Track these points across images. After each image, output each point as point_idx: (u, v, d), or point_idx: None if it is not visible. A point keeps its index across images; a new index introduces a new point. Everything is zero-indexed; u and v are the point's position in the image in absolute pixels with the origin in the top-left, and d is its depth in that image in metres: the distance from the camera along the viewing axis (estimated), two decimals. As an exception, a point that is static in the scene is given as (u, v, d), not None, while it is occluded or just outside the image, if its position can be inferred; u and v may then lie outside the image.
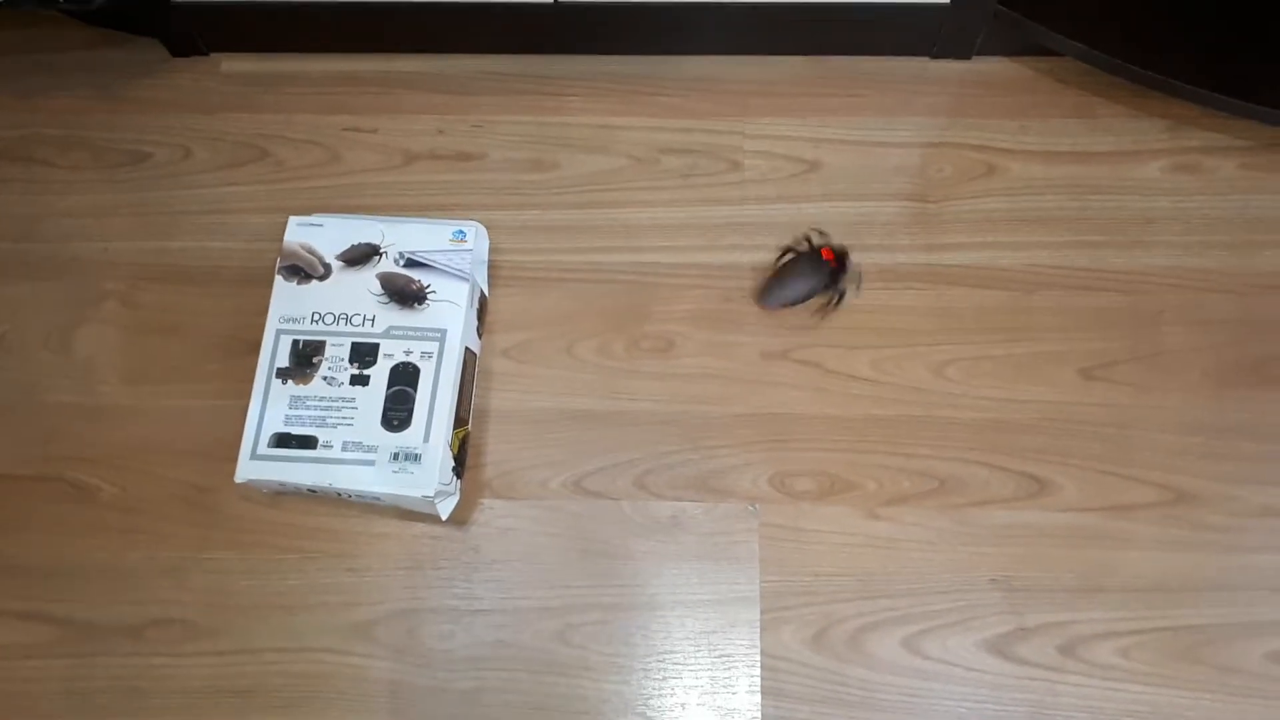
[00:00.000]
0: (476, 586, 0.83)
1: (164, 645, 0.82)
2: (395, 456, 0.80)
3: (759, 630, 0.82)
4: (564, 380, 0.89)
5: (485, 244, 0.90)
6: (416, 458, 0.80)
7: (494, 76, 1.00)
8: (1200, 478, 0.84)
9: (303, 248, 0.87)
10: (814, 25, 0.96)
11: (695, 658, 0.82)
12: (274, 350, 0.83)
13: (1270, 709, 0.78)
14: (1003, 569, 0.82)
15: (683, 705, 0.80)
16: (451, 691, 0.81)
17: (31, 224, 0.95)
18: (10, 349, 0.91)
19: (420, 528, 0.85)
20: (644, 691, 0.81)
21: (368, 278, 0.86)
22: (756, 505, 0.85)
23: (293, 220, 0.88)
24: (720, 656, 0.81)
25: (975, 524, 0.84)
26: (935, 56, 1.00)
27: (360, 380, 0.82)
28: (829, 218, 0.93)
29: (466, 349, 0.85)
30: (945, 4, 0.92)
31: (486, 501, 0.86)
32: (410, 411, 0.81)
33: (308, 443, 0.81)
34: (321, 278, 0.86)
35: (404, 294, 0.85)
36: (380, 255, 0.86)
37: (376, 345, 0.83)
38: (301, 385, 0.82)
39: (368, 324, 0.84)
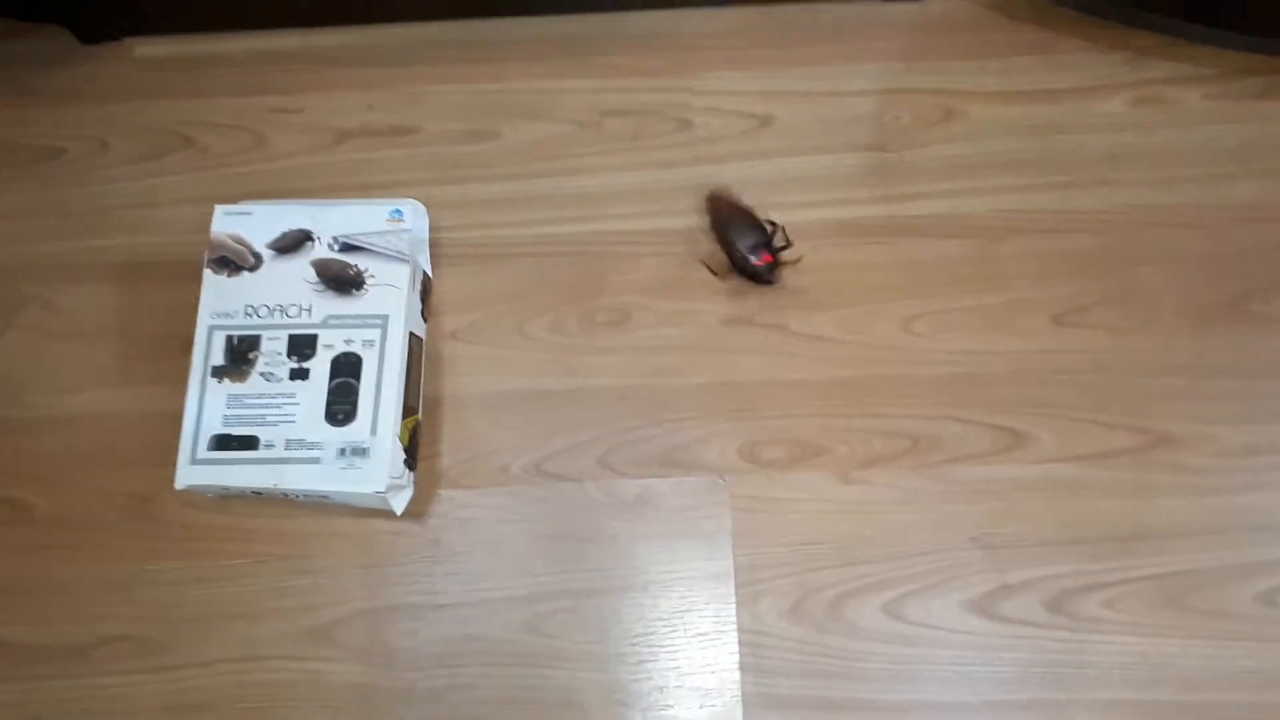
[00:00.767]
0: (439, 581, 0.80)
1: (113, 664, 0.78)
2: (342, 452, 0.76)
3: (735, 605, 0.79)
4: (517, 360, 0.85)
5: (425, 222, 0.86)
6: (364, 452, 0.76)
7: (424, 45, 0.95)
8: (1179, 419, 0.82)
9: (231, 238, 0.82)
10: (758, -28, 0.92)
11: (671, 638, 0.79)
12: (207, 348, 0.79)
13: (1264, 650, 0.77)
14: (982, 526, 0.80)
15: (660, 688, 0.78)
16: (419, 691, 0.78)
17: (-57, 230, 0.90)
18: (-71, 364, 0.87)
19: (376, 524, 0.81)
20: (620, 677, 0.78)
21: (302, 265, 0.81)
22: (725, 477, 0.82)
23: (219, 210, 0.83)
24: (697, 635, 0.79)
25: (951, 482, 0.81)
26: (887, 0, 0.96)
27: (300, 374, 0.78)
28: (785, 173, 0.89)
29: (411, 334, 0.81)
30: (893, -58, 0.88)
31: (444, 492, 0.82)
32: (355, 404, 0.77)
33: (249, 443, 0.77)
34: (252, 269, 0.81)
35: (341, 280, 0.81)
36: (313, 241, 0.82)
37: (315, 336, 0.79)
38: (238, 383, 0.78)
39: (304, 314, 0.80)
